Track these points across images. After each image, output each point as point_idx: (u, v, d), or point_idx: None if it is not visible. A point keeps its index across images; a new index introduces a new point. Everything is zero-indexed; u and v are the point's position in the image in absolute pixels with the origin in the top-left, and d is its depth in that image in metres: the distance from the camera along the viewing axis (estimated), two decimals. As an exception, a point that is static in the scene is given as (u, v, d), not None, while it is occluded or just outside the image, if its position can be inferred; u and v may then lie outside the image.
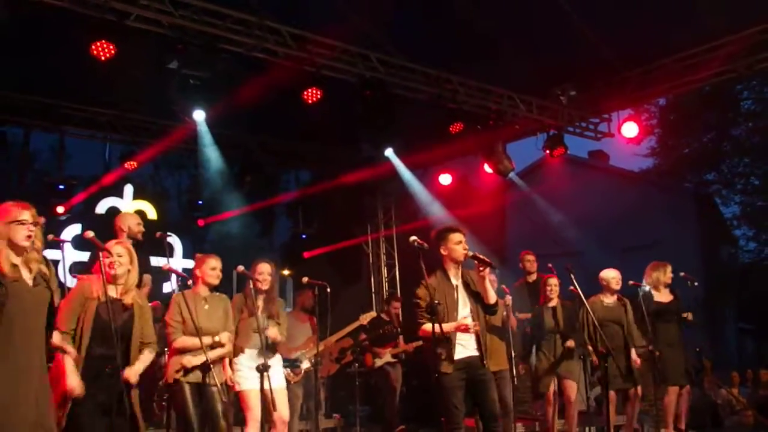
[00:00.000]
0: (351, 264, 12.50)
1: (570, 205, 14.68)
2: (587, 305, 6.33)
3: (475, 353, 5.18)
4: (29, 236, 3.80)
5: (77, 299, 4.44)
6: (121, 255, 4.65)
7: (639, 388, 7.43)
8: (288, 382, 7.11)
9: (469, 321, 5.12)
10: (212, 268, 5.59)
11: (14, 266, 3.76)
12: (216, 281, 5.62)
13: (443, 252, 5.31)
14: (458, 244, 5.26)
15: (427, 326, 5.07)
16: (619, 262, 8.16)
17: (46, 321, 3.85)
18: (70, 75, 8.11)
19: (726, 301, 22.04)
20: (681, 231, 18.25)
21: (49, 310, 3.87)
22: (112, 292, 4.55)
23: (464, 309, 5.23)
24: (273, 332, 5.87)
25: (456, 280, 5.31)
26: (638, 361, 7.31)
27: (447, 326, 5.08)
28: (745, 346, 25.32)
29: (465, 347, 5.16)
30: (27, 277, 3.80)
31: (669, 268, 7.68)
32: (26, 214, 3.81)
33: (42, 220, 3.98)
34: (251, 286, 5.82)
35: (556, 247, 8.72)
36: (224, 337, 5.45)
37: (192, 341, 5.27)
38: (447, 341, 5.09)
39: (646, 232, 17.77)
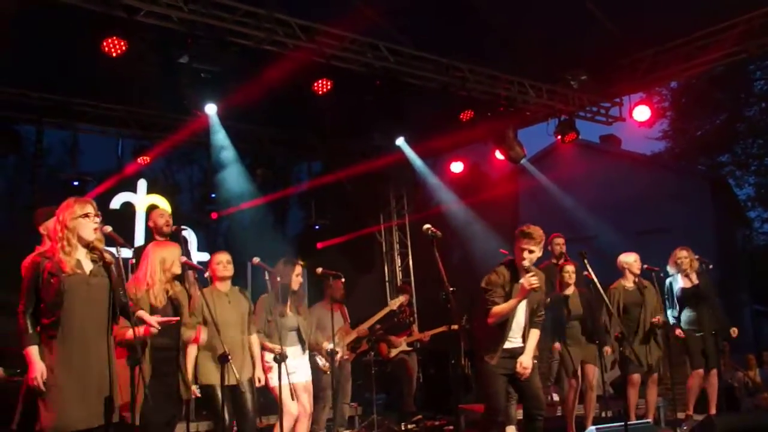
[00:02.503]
0: (364, 253, 12.54)
1: (582, 189, 14.67)
2: (602, 291, 6.33)
3: (521, 344, 5.31)
4: (96, 229, 4.03)
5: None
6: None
7: (655, 375, 7.47)
8: (323, 372, 7.21)
9: (530, 281, 5.13)
10: (217, 262, 5.74)
11: (77, 261, 4.00)
12: (226, 273, 5.74)
13: (515, 251, 5.37)
14: (522, 251, 5.26)
15: (497, 308, 5.18)
16: (633, 246, 8.15)
17: (110, 307, 4.07)
18: (82, 72, 8.15)
19: (741, 284, 21.94)
20: (695, 214, 18.15)
21: (112, 297, 4.09)
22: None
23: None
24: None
25: (521, 278, 5.32)
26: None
27: (510, 303, 5.18)
28: (761, 328, 25.21)
29: (512, 342, 5.29)
30: (88, 269, 4.03)
31: (682, 253, 7.66)
32: (90, 208, 4.05)
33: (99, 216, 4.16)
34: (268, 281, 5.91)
35: (569, 232, 8.68)
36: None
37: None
38: (500, 333, 5.22)
39: (660, 216, 17.70)
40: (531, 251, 5.24)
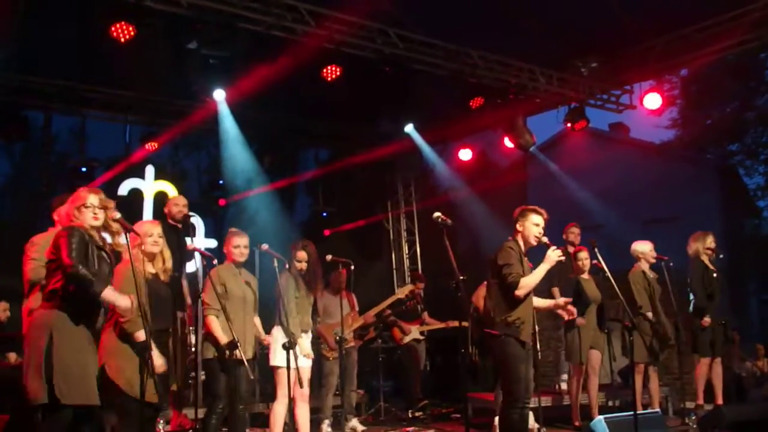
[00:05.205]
0: (372, 241, 12.53)
1: (591, 178, 14.58)
2: (612, 280, 6.29)
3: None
4: (95, 217, 4.18)
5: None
6: (161, 236, 4.89)
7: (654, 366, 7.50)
8: (325, 359, 7.24)
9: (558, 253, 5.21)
10: (235, 246, 5.72)
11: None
12: (241, 259, 5.75)
13: (519, 228, 5.41)
14: (535, 226, 5.33)
15: (526, 279, 5.16)
16: (642, 234, 8.14)
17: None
18: (90, 57, 8.13)
19: (749, 273, 21.86)
20: (703, 203, 18.06)
21: None
22: (151, 268, 4.81)
23: None
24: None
25: (524, 257, 5.40)
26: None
27: (539, 271, 5.20)
28: (769, 317, 25.11)
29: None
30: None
31: (710, 238, 7.66)
32: (92, 200, 4.20)
33: (112, 203, 4.34)
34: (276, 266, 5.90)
35: (577, 221, 8.64)
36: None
37: (219, 325, 5.43)
38: (526, 309, 5.22)
39: (668, 205, 17.62)
40: (543, 227, 5.32)
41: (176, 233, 6.70)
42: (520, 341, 5.15)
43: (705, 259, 7.66)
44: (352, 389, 8.00)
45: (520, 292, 5.14)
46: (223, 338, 5.36)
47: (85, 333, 4.09)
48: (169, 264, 4.94)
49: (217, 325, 5.45)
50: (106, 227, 4.27)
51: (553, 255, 5.17)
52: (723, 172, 20.76)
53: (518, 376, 5.13)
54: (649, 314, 7.28)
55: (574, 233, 8.24)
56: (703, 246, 7.66)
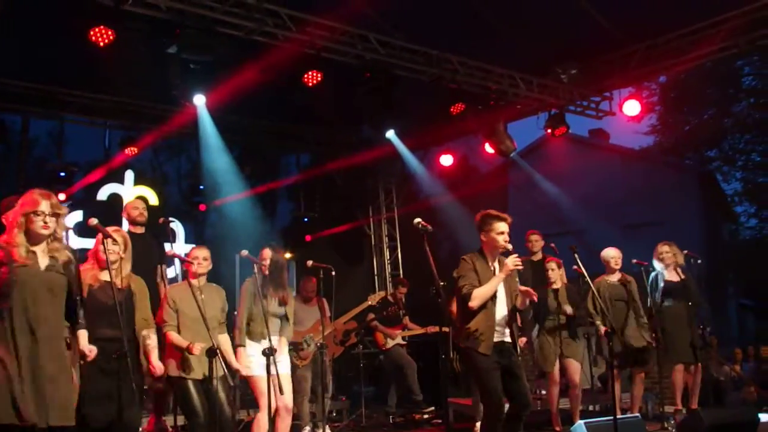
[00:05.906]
0: (353, 246, 12.50)
1: (572, 183, 14.70)
2: (592, 285, 6.32)
3: (508, 339, 5.23)
4: (45, 225, 3.76)
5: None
6: (116, 244, 4.72)
7: (642, 372, 7.52)
8: (295, 366, 7.19)
9: (515, 261, 5.13)
10: (193, 257, 5.60)
11: (31, 252, 3.77)
12: (201, 270, 5.62)
13: (483, 238, 5.30)
14: (500, 235, 5.21)
15: (478, 290, 5.06)
16: (621, 240, 8.19)
17: (64, 306, 3.86)
18: (69, 61, 8.07)
19: (727, 278, 22.09)
20: (682, 208, 18.26)
21: (67, 297, 3.87)
22: (105, 276, 4.65)
23: (500, 293, 5.23)
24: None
25: (493, 264, 5.30)
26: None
27: (492, 282, 5.10)
28: (746, 322, 25.39)
29: (500, 333, 5.18)
30: (43, 264, 3.80)
31: (663, 248, 7.68)
32: (44, 205, 3.78)
33: (65, 210, 3.94)
34: (257, 272, 5.83)
35: (558, 226, 8.68)
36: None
37: (178, 339, 5.34)
38: (486, 320, 5.10)
39: (648, 210, 17.80)
40: (508, 233, 5.21)
41: (140, 238, 6.55)
42: (480, 353, 5.06)
43: (660, 267, 7.68)
44: (326, 396, 7.96)
45: (473, 303, 5.07)
46: (184, 343, 5.25)
47: (28, 347, 3.65)
48: (125, 273, 4.83)
49: (177, 336, 5.34)
50: (54, 238, 3.84)
51: (510, 263, 5.10)
52: (701, 178, 21.00)
53: (489, 387, 5.05)
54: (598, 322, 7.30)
55: (531, 241, 8.19)
56: (656, 254, 7.72)
